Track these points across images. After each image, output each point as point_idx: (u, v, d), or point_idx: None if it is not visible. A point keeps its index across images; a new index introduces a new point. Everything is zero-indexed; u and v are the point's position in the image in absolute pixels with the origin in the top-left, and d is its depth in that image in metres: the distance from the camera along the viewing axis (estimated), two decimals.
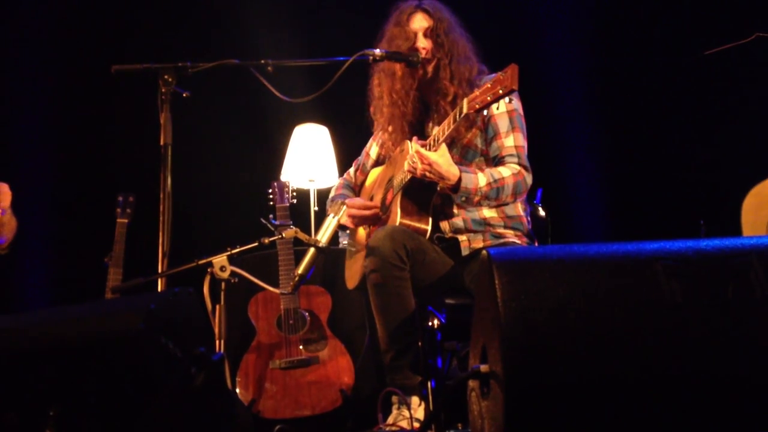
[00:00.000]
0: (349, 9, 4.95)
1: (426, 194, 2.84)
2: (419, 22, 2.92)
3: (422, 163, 2.62)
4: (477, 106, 2.54)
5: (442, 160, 2.63)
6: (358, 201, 3.06)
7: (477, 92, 2.56)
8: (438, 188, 2.81)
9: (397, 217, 2.80)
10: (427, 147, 2.71)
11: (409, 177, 2.79)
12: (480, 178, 2.70)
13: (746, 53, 3.52)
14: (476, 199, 2.71)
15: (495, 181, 2.72)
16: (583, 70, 4.96)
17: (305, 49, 4.73)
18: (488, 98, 2.50)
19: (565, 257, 1.67)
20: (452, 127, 2.65)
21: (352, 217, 2.99)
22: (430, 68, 2.91)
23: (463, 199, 2.71)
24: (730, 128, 4.48)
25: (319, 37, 4.86)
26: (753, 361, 1.58)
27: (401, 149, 2.99)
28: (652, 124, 4.83)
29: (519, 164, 2.80)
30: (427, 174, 2.64)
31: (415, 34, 2.91)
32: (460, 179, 2.65)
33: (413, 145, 2.71)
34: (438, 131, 2.72)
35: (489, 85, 2.51)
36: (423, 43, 2.90)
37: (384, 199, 3.02)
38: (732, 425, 1.57)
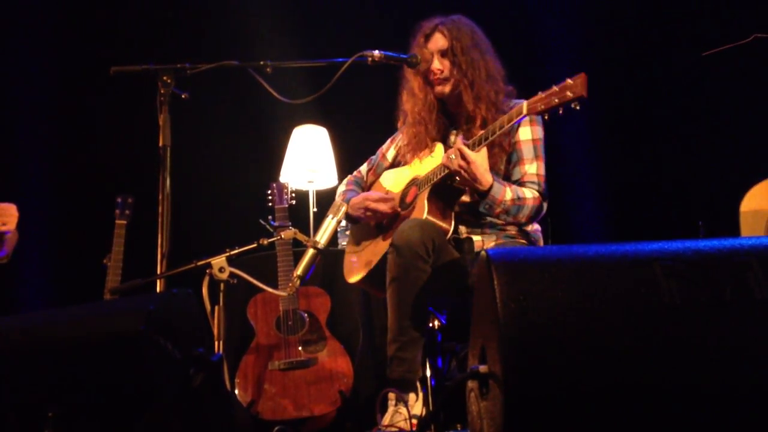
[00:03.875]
0: (348, 10, 4.96)
1: (453, 196, 2.86)
2: (436, 42, 2.94)
3: (462, 160, 2.64)
4: (541, 107, 2.57)
5: (480, 161, 2.66)
6: (375, 193, 3.05)
7: (541, 95, 2.58)
8: (465, 190, 2.83)
9: (424, 212, 2.80)
10: (470, 146, 2.71)
11: (442, 173, 2.80)
12: (507, 192, 2.75)
13: (744, 54, 3.52)
14: (497, 210, 2.74)
15: (519, 198, 2.77)
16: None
17: (304, 50, 4.73)
18: (555, 101, 2.53)
19: (564, 258, 1.68)
20: (505, 128, 2.66)
21: (368, 209, 2.97)
22: (447, 88, 2.94)
23: (486, 207, 2.73)
24: (728, 129, 4.49)
25: (318, 38, 4.86)
26: (751, 362, 1.59)
27: (430, 151, 3.00)
28: (650, 125, 4.83)
29: (539, 191, 2.85)
30: (463, 172, 2.65)
31: (432, 55, 2.93)
32: (491, 187, 2.69)
33: (457, 141, 2.71)
34: (486, 131, 2.71)
35: (556, 89, 2.54)
36: (438, 65, 2.92)
37: (404, 196, 3.02)
38: (729, 427, 1.57)
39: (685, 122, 4.68)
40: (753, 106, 4.32)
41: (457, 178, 2.73)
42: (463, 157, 2.64)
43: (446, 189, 2.85)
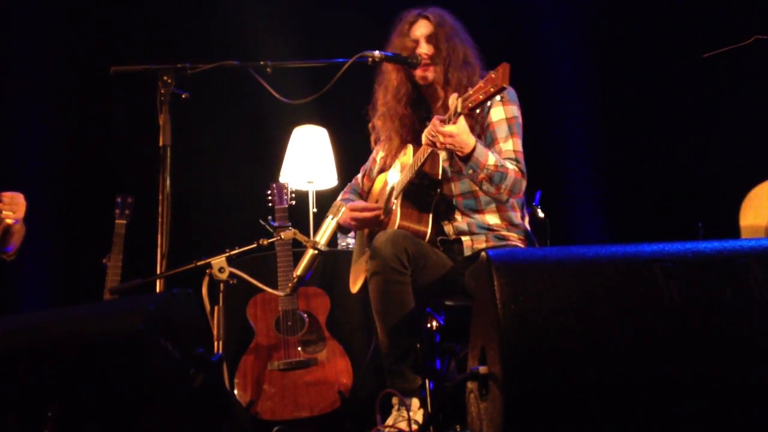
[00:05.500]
0: (349, 10, 4.96)
1: (426, 197, 2.85)
2: (420, 28, 2.96)
3: (444, 136, 2.62)
4: (470, 105, 2.56)
5: (461, 129, 2.63)
6: (359, 203, 3.08)
7: (470, 91, 2.57)
8: (438, 190, 2.81)
9: (397, 219, 2.81)
10: (445, 122, 2.70)
11: (409, 176, 2.79)
12: (490, 156, 2.71)
13: (745, 56, 3.52)
14: (481, 175, 2.69)
15: (501, 165, 2.73)
16: (582, 71, 4.96)
17: (304, 50, 4.73)
18: (480, 96, 2.52)
19: (563, 259, 1.68)
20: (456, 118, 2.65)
21: (354, 219, 3.00)
22: (429, 74, 2.94)
23: (470, 171, 2.69)
24: (728, 130, 4.48)
25: (319, 39, 4.86)
26: (751, 363, 1.58)
27: (403, 153, 3.00)
28: (650, 126, 4.84)
29: (518, 168, 2.81)
30: (448, 145, 2.64)
31: (417, 41, 2.94)
32: (474, 148, 2.66)
33: (434, 121, 2.69)
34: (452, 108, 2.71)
35: (481, 84, 2.53)
36: (424, 49, 2.93)
37: (387, 202, 3.03)
38: (730, 427, 1.57)
39: (685, 123, 4.67)
40: (754, 107, 4.32)
41: (450, 159, 2.72)
42: (443, 134, 2.62)
43: (418, 191, 2.85)
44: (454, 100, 2.65)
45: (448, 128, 2.62)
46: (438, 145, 2.66)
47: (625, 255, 1.68)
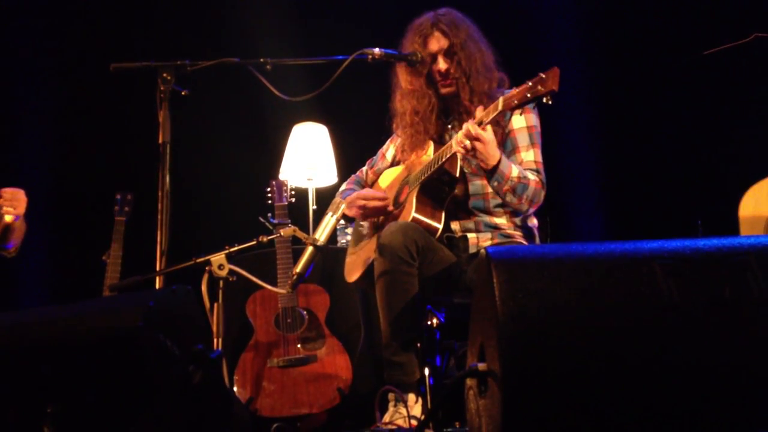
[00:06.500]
0: (349, 8, 4.96)
1: (441, 193, 2.85)
2: (436, 42, 2.91)
3: (478, 140, 2.60)
4: (515, 102, 2.54)
5: (489, 138, 2.63)
6: (367, 191, 3.05)
7: (515, 91, 2.56)
8: (455, 187, 2.83)
9: (412, 211, 2.80)
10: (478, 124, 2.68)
11: (430, 171, 2.80)
12: (513, 168, 2.71)
13: (745, 54, 3.52)
14: (505, 187, 2.69)
15: (524, 177, 2.73)
16: (582, 69, 4.96)
17: (304, 47, 4.73)
18: (528, 95, 2.50)
19: (563, 256, 1.68)
20: (491, 117, 2.64)
21: (361, 208, 2.97)
22: (451, 88, 2.93)
23: (495, 184, 2.69)
24: (728, 128, 4.49)
25: (319, 36, 4.86)
26: (749, 360, 1.59)
27: (419, 152, 3.00)
28: (650, 123, 4.84)
29: (538, 178, 2.81)
30: (480, 151, 2.62)
31: (434, 57, 2.91)
32: (500, 161, 2.65)
33: (469, 123, 2.65)
34: (482, 115, 2.69)
35: (530, 84, 2.51)
36: (443, 65, 2.90)
37: (397, 195, 3.03)
38: (728, 424, 1.58)
39: (685, 121, 4.68)
40: (753, 105, 4.32)
41: (466, 160, 2.66)
42: (478, 138, 2.60)
43: (435, 187, 2.84)
44: (480, 112, 2.65)
45: (484, 133, 2.60)
46: (468, 151, 2.62)
47: (624, 252, 1.69)
